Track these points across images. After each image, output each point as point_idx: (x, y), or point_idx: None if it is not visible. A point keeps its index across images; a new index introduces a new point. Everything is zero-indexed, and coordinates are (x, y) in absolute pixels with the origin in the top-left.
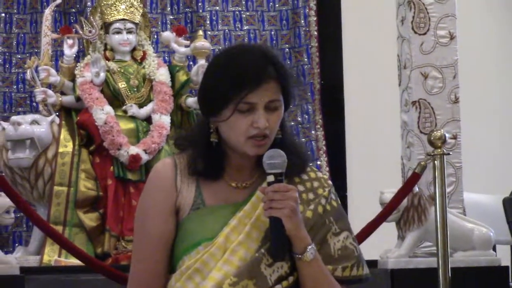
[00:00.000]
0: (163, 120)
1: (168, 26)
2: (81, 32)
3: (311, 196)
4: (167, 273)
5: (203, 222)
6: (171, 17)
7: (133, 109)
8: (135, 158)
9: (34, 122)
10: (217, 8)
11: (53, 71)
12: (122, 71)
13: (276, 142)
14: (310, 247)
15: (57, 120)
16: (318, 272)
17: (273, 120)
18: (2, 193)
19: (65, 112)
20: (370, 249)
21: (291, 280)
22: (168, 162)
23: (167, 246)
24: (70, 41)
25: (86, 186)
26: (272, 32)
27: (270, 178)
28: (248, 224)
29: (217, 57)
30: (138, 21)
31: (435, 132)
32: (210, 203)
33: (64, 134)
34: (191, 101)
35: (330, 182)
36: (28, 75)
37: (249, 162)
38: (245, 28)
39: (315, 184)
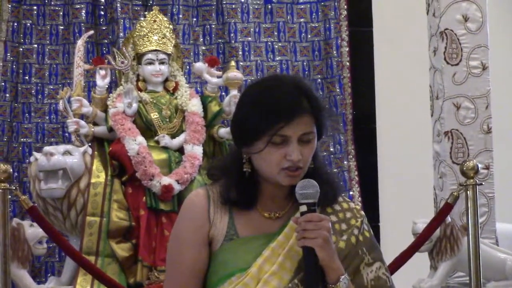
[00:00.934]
0: (196, 150)
1: (201, 56)
2: (113, 63)
3: (344, 226)
4: None
5: (236, 253)
6: (204, 47)
7: (165, 140)
8: (167, 188)
9: (67, 152)
10: (250, 39)
11: (85, 101)
12: (154, 101)
13: (309, 172)
14: (343, 277)
15: (90, 150)
16: None
17: (307, 152)
18: (35, 224)
19: (98, 142)
20: (403, 279)
21: None
22: (201, 193)
23: (200, 276)
24: (102, 72)
25: (118, 216)
26: (305, 63)
27: (303, 208)
28: (281, 255)
29: (250, 88)
30: (170, 52)
31: (467, 162)
32: (243, 234)
33: (96, 165)
34: (223, 131)
35: (362, 212)
36: (61, 106)
37: (282, 192)
38: (277, 58)
39: (348, 214)
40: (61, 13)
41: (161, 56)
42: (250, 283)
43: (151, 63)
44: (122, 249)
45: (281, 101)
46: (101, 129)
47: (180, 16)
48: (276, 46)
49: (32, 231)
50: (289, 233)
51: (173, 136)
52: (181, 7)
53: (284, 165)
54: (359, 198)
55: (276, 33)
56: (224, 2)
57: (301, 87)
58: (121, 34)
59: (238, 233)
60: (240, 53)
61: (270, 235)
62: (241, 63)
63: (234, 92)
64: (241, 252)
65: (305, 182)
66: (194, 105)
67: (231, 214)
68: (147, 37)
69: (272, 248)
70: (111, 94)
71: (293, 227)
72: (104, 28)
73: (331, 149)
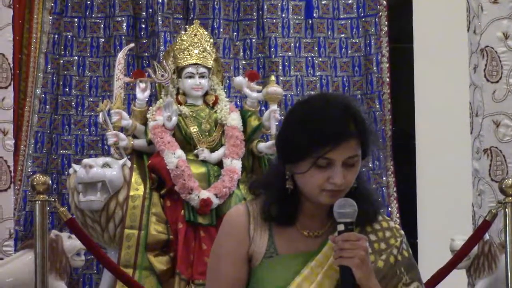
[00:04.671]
0: (234, 164)
1: (241, 71)
2: (153, 76)
3: (383, 246)
4: None
5: (275, 271)
6: (244, 62)
7: (204, 154)
8: (206, 202)
9: (106, 165)
10: (290, 53)
11: (125, 114)
12: (194, 115)
13: (351, 191)
14: None
15: (129, 163)
16: None
17: (350, 176)
18: (73, 236)
19: (137, 155)
20: None
21: None
22: (241, 210)
23: None
24: (142, 85)
25: (156, 229)
26: (344, 78)
27: (340, 227)
28: (320, 273)
29: (298, 106)
30: (210, 66)
31: (506, 180)
32: (282, 252)
33: (135, 178)
34: (263, 146)
35: (402, 232)
36: (100, 118)
37: (322, 211)
38: (317, 74)
39: (387, 234)
40: (102, 25)
41: (201, 70)
42: None
43: (191, 76)
44: (160, 262)
45: (329, 125)
46: (140, 142)
47: (221, 30)
48: (316, 61)
49: (70, 243)
50: (328, 252)
51: (212, 150)
52: (222, 21)
53: (327, 187)
54: (397, 215)
55: (316, 48)
56: (265, 17)
57: (350, 110)
58: (161, 47)
59: (278, 250)
60: (280, 67)
61: (309, 253)
62: (281, 78)
63: (274, 107)
64: (280, 270)
65: (343, 201)
66: (234, 119)
67: (271, 232)
68: (188, 51)
69: (311, 267)
70: (150, 107)
71: (332, 246)
72: (144, 41)
73: (370, 165)
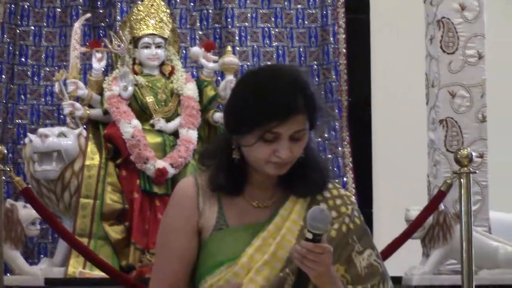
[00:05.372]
0: (190, 134)
1: (197, 41)
2: (110, 46)
3: (334, 214)
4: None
5: (225, 243)
6: (200, 32)
7: (160, 123)
8: (161, 172)
9: (62, 134)
10: (246, 24)
11: (81, 84)
12: (150, 85)
13: (298, 161)
14: None
15: (84, 133)
16: None
17: (297, 150)
18: (28, 205)
19: (93, 125)
20: (395, 266)
21: None
22: (190, 182)
23: (189, 265)
24: (98, 55)
25: (112, 199)
26: (301, 49)
27: (309, 236)
28: (273, 244)
29: (246, 78)
30: (167, 36)
31: (461, 151)
32: (232, 224)
33: (91, 147)
34: (218, 116)
35: (353, 199)
36: (56, 88)
37: (270, 182)
38: (274, 44)
39: (338, 202)
40: None
41: (158, 40)
42: (241, 272)
43: (147, 46)
44: (115, 232)
45: (277, 99)
46: (96, 112)
47: (178, 0)
48: (273, 32)
49: (26, 212)
50: (279, 223)
51: (168, 120)
52: None
53: (273, 160)
54: (353, 184)
55: (273, 19)
56: None
57: (298, 84)
58: (118, 17)
59: (228, 222)
60: (237, 38)
61: (259, 224)
62: (238, 48)
63: (230, 77)
64: (230, 242)
65: (317, 212)
66: (190, 89)
67: (220, 204)
68: (144, 21)
69: (262, 238)
70: (107, 77)
71: (283, 217)
72: (101, 11)
73: (326, 135)
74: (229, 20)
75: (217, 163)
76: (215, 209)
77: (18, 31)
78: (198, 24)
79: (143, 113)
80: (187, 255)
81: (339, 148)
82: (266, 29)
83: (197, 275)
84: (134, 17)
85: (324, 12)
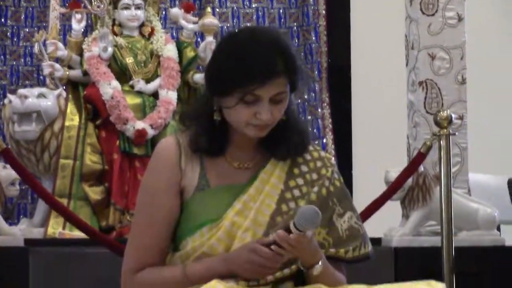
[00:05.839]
0: (170, 95)
1: (177, 2)
2: (89, 7)
3: (314, 176)
4: (168, 251)
5: (207, 204)
6: None
7: (140, 84)
8: (141, 133)
9: (41, 95)
10: None
11: (60, 45)
12: (129, 46)
13: (279, 123)
14: (318, 265)
15: (64, 94)
16: (324, 277)
17: (277, 112)
18: (8, 166)
19: (72, 86)
20: (374, 227)
21: (294, 268)
22: (172, 142)
23: (171, 224)
24: (78, 16)
25: (91, 159)
26: (281, 10)
27: (292, 226)
28: (253, 209)
29: (227, 40)
30: None
31: (441, 113)
32: (214, 184)
33: (70, 108)
34: (198, 77)
35: (333, 161)
36: (36, 49)
37: (251, 142)
38: (253, 5)
39: (318, 164)
40: None
41: (137, 1)
42: (224, 238)
43: (127, 7)
44: (94, 192)
45: (257, 62)
46: (76, 73)
47: None
48: None
49: (5, 173)
50: (259, 186)
51: (147, 81)
52: None
53: (253, 122)
54: (333, 146)
55: None
56: None
57: (278, 46)
58: None
59: (209, 183)
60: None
61: (240, 185)
62: (217, 10)
63: (210, 39)
64: (212, 203)
65: (311, 213)
66: (170, 51)
67: (203, 165)
68: None
69: (243, 202)
70: (86, 38)
71: (264, 180)
72: None
73: (306, 97)
74: None
75: (199, 124)
76: (197, 169)
77: None
78: None
79: (122, 74)
80: (169, 216)
81: (319, 110)
82: None
83: (178, 236)
84: None
85: None
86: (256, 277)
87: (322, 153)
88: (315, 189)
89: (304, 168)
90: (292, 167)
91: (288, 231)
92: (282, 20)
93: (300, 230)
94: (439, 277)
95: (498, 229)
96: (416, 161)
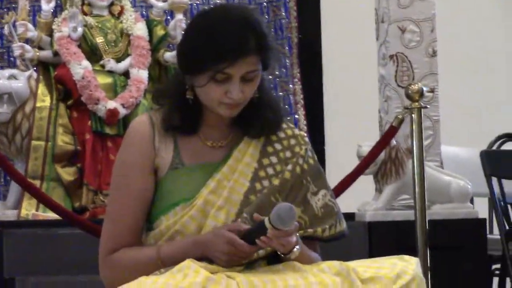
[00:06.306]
0: (141, 74)
1: None
2: None
3: (288, 154)
4: (143, 230)
5: (180, 182)
6: None
7: (110, 64)
8: (112, 112)
9: (12, 77)
10: None
11: (30, 26)
12: (99, 26)
13: (252, 101)
14: (295, 250)
15: (35, 75)
16: (299, 259)
17: (248, 90)
18: None
19: (43, 67)
20: (347, 202)
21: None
22: (145, 120)
23: (146, 203)
24: None
25: (64, 140)
26: None
27: (266, 222)
28: (227, 188)
29: (197, 20)
30: None
31: (412, 86)
32: (188, 163)
33: (41, 89)
34: (169, 55)
35: (307, 139)
36: (6, 30)
37: (224, 121)
38: None
39: (292, 142)
40: None
41: None
42: (197, 216)
43: None
44: (67, 173)
45: (228, 40)
46: (46, 54)
47: None
48: None
49: None
50: (233, 165)
51: (118, 60)
52: None
53: (225, 101)
54: (304, 122)
55: None
56: None
57: (250, 24)
58: None
59: (183, 161)
60: None
61: (214, 164)
62: None
63: (180, 16)
64: (185, 181)
65: (285, 210)
66: (140, 29)
67: (176, 143)
68: None
69: (217, 180)
70: (56, 19)
71: (238, 158)
72: None
73: (277, 73)
74: None
75: (171, 102)
76: (171, 148)
77: None
78: None
79: (93, 54)
80: (143, 195)
81: (290, 86)
82: None
83: (152, 215)
84: None
85: None
86: (230, 265)
87: (296, 131)
88: (289, 167)
89: (278, 146)
90: (265, 145)
91: (263, 227)
92: None
93: (270, 223)
94: (413, 251)
95: (472, 202)
96: (388, 134)
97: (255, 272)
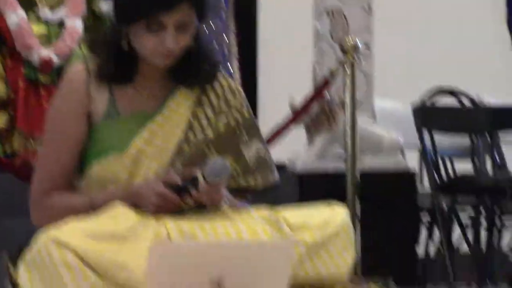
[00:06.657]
0: (76, 24)
1: None
2: None
3: (223, 105)
4: (75, 173)
5: (115, 131)
6: None
7: (45, 13)
8: (46, 61)
9: None
10: None
11: None
12: None
13: (189, 51)
14: (223, 204)
15: None
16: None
17: (184, 40)
18: None
19: None
20: (279, 153)
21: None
22: (80, 68)
23: (78, 150)
24: None
25: None
26: None
27: (200, 177)
28: (160, 138)
29: None
30: None
31: (347, 40)
32: (122, 112)
33: None
34: (103, 4)
35: (242, 92)
36: None
37: (159, 71)
38: None
39: (227, 93)
40: None
41: None
42: (129, 166)
43: None
44: None
45: None
46: None
47: None
48: None
49: None
50: (167, 114)
51: (52, 9)
52: None
53: (159, 50)
54: (239, 74)
55: None
56: None
57: None
58: None
59: (118, 110)
60: None
61: (148, 114)
62: None
63: None
64: (119, 131)
65: (218, 165)
66: None
67: (111, 92)
68: None
69: (151, 130)
70: None
71: (172, 109)
72: None
73: (212, 24)
74: None
75: (107, 52)
76: (106, 96)
77: None
78: None
79: (27, 3)
80: (76, 142)
81: (225, 38)
82: None
83: (85, 163)
84: None
85: None
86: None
87: (232, 83)
88: (224, 119)
89: (213, 97)
90: (200, 95)
91: (196, 180)
92: None
93: (203, 176)
94: (343, 202)
95: (403, 155)
96: (321, 87)
97: (185, 218)
